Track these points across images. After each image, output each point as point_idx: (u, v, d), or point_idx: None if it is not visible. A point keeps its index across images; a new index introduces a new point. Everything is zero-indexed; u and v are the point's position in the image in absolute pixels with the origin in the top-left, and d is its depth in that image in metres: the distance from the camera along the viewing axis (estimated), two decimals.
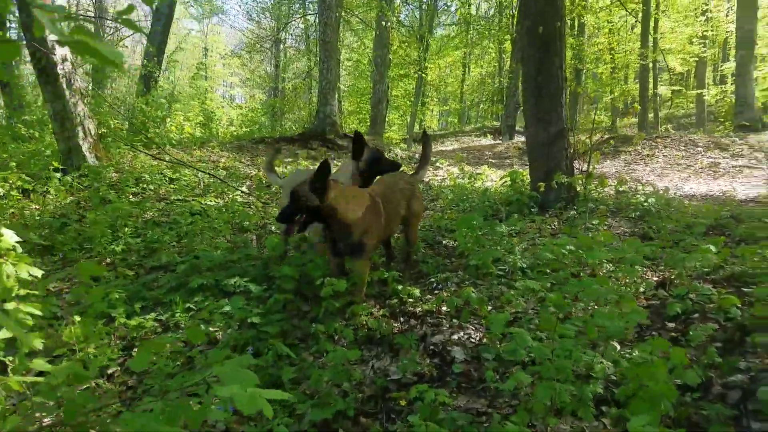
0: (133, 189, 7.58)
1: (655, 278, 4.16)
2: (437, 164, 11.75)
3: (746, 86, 16.04)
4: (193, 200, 7.00)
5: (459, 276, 4.61)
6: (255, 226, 6.40)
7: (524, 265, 4.23)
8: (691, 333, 2.99)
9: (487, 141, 19.18)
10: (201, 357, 3.58)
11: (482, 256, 3.44)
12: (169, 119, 13.01)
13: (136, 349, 3.77)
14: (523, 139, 18.73)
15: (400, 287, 3.95)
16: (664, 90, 29.00)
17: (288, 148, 11.50)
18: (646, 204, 6.08)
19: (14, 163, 7.49)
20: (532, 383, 2.53)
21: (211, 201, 6.81)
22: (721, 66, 28.76)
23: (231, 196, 7.39)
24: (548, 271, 4.19)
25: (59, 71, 8.24)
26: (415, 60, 23.73)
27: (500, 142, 18.80)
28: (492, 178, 9.38)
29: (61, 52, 8.29)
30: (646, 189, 7.33)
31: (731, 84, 22.54)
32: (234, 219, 5.98)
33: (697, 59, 25.06)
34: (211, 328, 3.90)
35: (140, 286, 4.65)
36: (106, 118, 11.73)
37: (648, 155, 12.25)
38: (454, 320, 3.72)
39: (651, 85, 22.37)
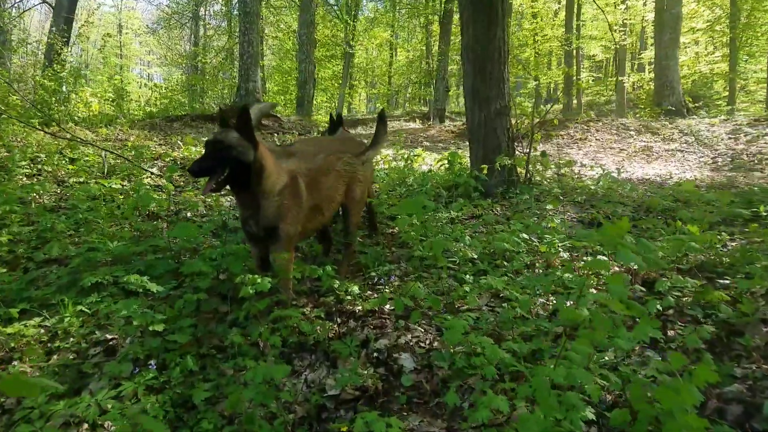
0: (26, 170, 6.58)
1: (617, 268, 3.81)
2: None
3: (671, 70, 16.27)
4: (95, 183, 6.12)
5: (401, 268, 4.11)
6: (166, 212, 5.64)
7: (474, 255, 3.77)
8: (686, 336, 2.57)
9: (416, 125, 18.77)
10: (96, 371, 2.93)
11: (432, 246, 2.92)
12: (74, 95, 11.75)
13: (16, 363, 3.07)
14: (456, 123, 18.57)
15: (336, 283, 3.37)
16: (586, 76, 29.70)
17: (206, 126, 10.58)
18: (593, 187, 5.77)
19: None
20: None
21: (116, 184, 5.96)
22: (640, 54, 29.78)
23: (138, 178, 6.54)
24: (504, 263, 3.75)
25: None
26: (342, 40, 23.07)
27: (431, 125, 18.46)
28: (428, 161, 8.92)
29: None
30: (592, 171, 7.08)
31: (649, 72, 23.27)
32: (141, 204, 5.18)
33: (617, 47, 25.70)
34: (108, 336, 3.24)
35: (25, 283, 3.87)
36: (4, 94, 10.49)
37: (581, 139, 12.20)
38: (400, 321, 3.20)
39: (574, 72, 22.73)
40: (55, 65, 13.61)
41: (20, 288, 3.78)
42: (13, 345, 3.15)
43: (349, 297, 3.43)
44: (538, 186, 6.18)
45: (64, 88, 12.21)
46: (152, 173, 6.57)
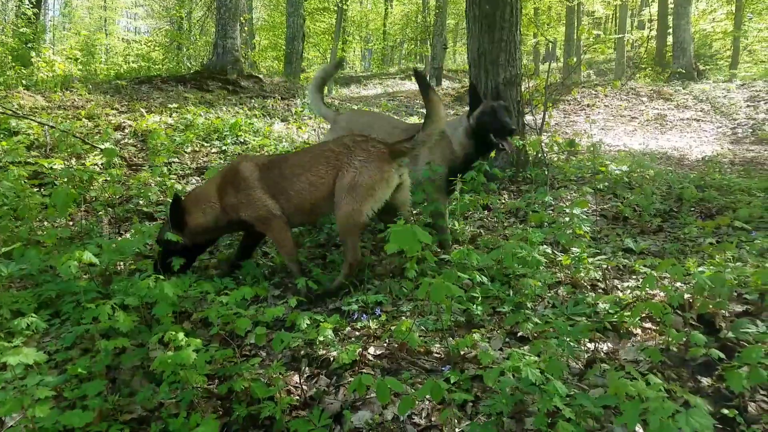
0: None
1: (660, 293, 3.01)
2: None
3: (683, 29, 15.13)
4: (34, 163, 5.19)
5: (393, 287, 3.29)
6: (112, 201, 4.75)
7: (484, 280, 2.94)
8: None
9: (413, 85, 17.66)
10: None
11: (431, 292, 2.11)
12: (34, 54, 10.61)
13: None
14: (454, 85, 17.49)
15: (305, 320, 2.55)
16: (585, 35, 28.37)
17: (176, 90, 9.49)
18: (617, 172, 4.92)
19: None
20: None
21: (58, 164, 5.04)
22: (641, 11, 28.49)
23: (90, 157, 5.61)
24: (520, 285, 2.92)
25: None
26: None
27: None
28: None
29: None
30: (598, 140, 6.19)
31: (651, 30, 22.13)
32: (87, 191, 4.29)
33: (619, 2, 24.49)
34: None
35: None
36: None
37: (589, 105, 11.26)
38: (389, 378, 2.36)
39: (576, 29, 21.63)
40: (17, 20, 12.45)
41: None
42: None
43: (321, 339, 2.61)
44: (550, 168, 5.32)
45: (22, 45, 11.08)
46: (101, 149, 5.63)
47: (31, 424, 2.05)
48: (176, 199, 3.38)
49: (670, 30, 16.27)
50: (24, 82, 8.71)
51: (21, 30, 11.33)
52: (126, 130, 6.81)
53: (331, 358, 2.57)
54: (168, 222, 3.41)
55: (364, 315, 2.88)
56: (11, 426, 2.15)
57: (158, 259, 3.40)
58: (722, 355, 2.15)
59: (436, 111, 3.36)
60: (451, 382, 2.28)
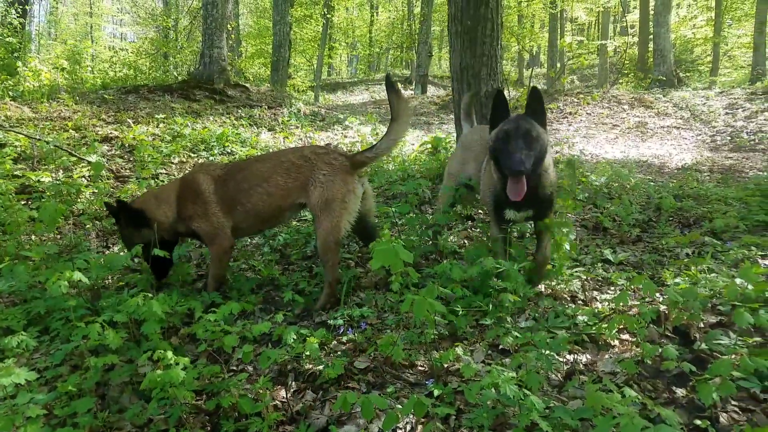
0: None
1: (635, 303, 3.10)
2: (346, 123, 10.29)
3: (663, 37, 15.41)
4: (21, 176, 5.19)
5: (378, 299, 3.35)
6: (99, 214, 4.77)
7: (467, 293, 3.01)
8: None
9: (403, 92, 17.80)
10: None
11: (414, 306, 2.18)
12: (20, 64, 10.55)
13: None
14: (439, 92, 17.65)
15: (291, 334, 2.60)
16: (569, 40, 28.69)
17: (163, 100, 9.49)
18: (597, 183, 5.02)
19: None
20: None
21: (45, 176, 5.05)
22: (623, 17, 28.84)
23: (77, 169, 5.61)
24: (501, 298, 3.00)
25: None
26: None
27: (413, 94, 17.49)
28: (410, 141, 8.09)
29: None
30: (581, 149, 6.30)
31: (632, 36, 22.45)
32: (75, 203, 4.30)
33: (601, 9, 24.82)
34: None
35: None
36: None
37: (571, 113, 11.41)
38: (373, 393, 2.43)
39: (559, 35, 21.93)
40: (2, 29, 12.35)
41: None
42: None
43: (308, 353, 2.66)
44: None
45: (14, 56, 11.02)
46: (89, 162, 5.64)
47: None
48: (123, 204, 3.46)
49: (652, 36, 16.53)
50: (10, 92, 8.68)
51: (7, 39, 11.27)
52: (113, 142, 6.81)
53: (318, 373, 2.63)
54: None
55: (350, 329, 2.95)
56: None
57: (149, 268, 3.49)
58: (693, 368, 2.24)
59: (402, 115, 3.43)
60: (435, 395, 2.33)
